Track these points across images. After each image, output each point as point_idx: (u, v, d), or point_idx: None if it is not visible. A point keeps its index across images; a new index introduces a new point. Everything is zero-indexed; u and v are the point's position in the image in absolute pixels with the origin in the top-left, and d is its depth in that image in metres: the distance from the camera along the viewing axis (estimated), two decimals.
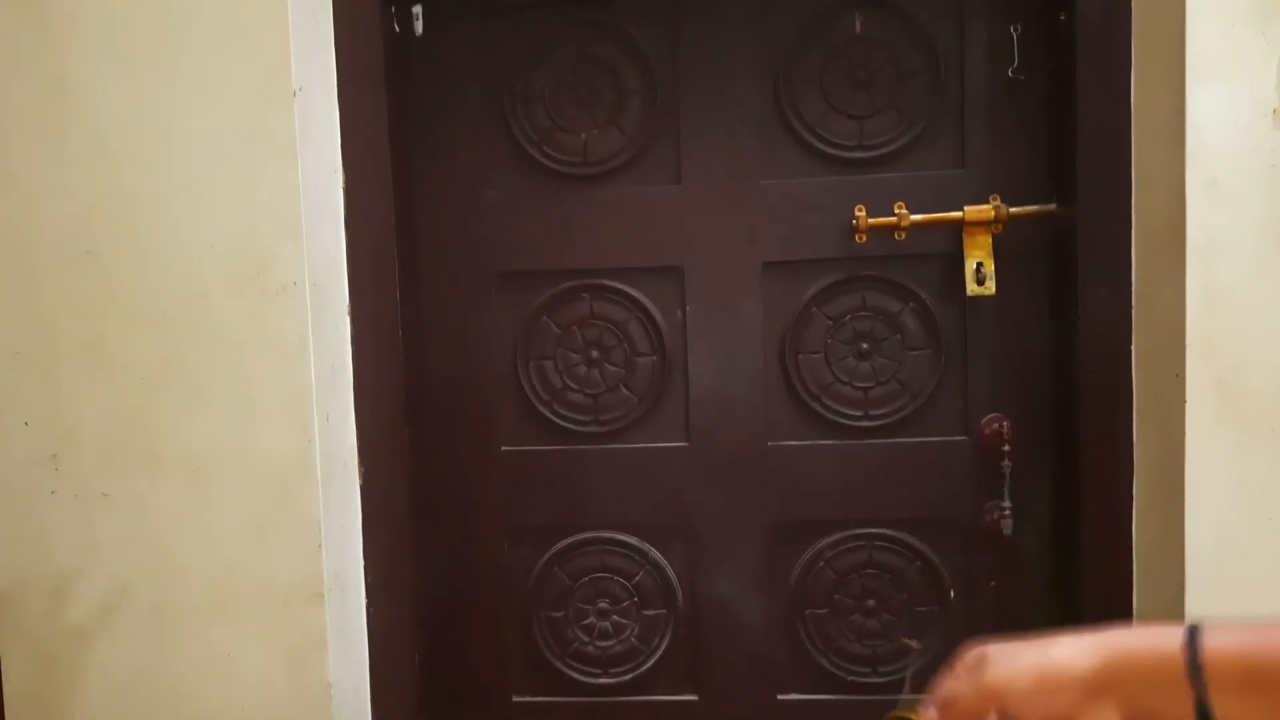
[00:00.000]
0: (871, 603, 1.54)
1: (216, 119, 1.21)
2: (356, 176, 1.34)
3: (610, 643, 1.58)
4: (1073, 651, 0.58)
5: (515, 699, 1.60)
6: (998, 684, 0.59)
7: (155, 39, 1.21)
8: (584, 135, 1.51)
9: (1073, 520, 1.44)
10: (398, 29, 1.47)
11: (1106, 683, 0.57)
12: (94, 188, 1.23)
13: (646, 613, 1.57)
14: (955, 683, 0.62)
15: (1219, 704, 0.54)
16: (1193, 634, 0.56)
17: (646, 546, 1.56)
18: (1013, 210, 1.43)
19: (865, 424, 1.51)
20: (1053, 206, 1.43)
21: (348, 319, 1.33)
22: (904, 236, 1.46)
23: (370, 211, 1.39)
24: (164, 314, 1.24)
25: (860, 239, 1.47)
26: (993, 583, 1.51)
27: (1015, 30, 1.43)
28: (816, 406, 1.51)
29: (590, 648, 1.58)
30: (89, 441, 1.26)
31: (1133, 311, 1.34)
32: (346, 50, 1.32)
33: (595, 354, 1.54)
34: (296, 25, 1.21)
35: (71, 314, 1.25)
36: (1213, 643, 0.55)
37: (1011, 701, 0.59)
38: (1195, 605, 1.23)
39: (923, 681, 0.70)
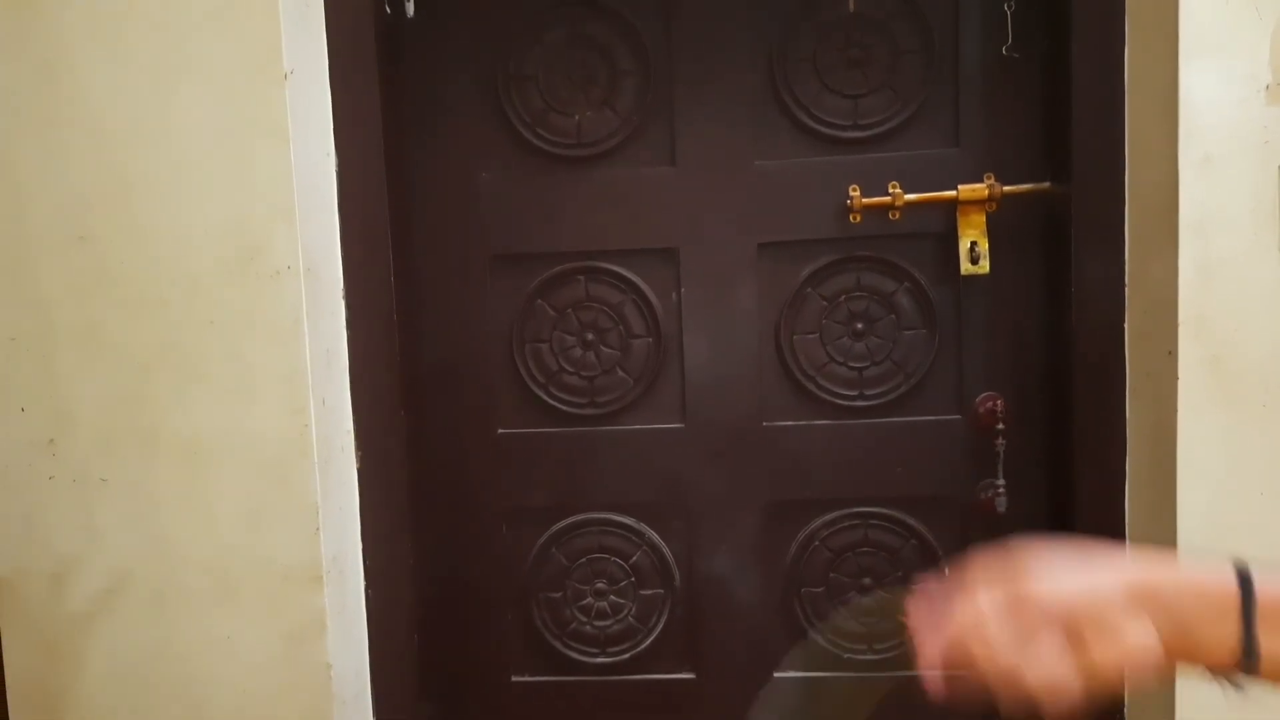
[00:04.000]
0: (867, 581, 1.55)
1: (208, 103, 1.21)
2: (349, 160, 1.33)
3: (608, 622, 1.59)
4: (1113, 569, 0.57)
5: (514, 679, 1.61)
6: (1037, 595, 0.57)
7: (146, 23, 1.20)
8: (578, 117, 1.50)
9: (1066, 497, 1.45)
10: (389, 10, 1.46)
11: (1146, 600, 0.56)
12: (87, 173, 1.23)
13: (644, 592, 1.58)
14: (989, 585, 0.59)
15: (1265, 639, 0.54)
16: (1244, 570, 0.56)
17: (643, 527, 1.57)
18: (1007, 189, 1.43)
19: (860, 404, 1.51)
20: (1047, 185, 1.43)
21: (342, 302, 1.33)
22: (898, 216, 1.46)
23: (364, 195, 1.39)
24: (159, 299, 1.24)
25: (855, 219, 1.47)
26: None
27: (1009, 8, 1.42)
28: (811, 387, 1.52)
29: (588, 627, 1.59)
30: (86, 426, 1.26)
31: (1126, 289, 1.34)
32: (337, 32, 1.31)
33: (591, 336, 1.54)
34: (286, 7, 1.21)
35: (66, 299, 1.25)
36: (1264, 579, 0.55)
37: (1047, 612, 0.56)
38: None
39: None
